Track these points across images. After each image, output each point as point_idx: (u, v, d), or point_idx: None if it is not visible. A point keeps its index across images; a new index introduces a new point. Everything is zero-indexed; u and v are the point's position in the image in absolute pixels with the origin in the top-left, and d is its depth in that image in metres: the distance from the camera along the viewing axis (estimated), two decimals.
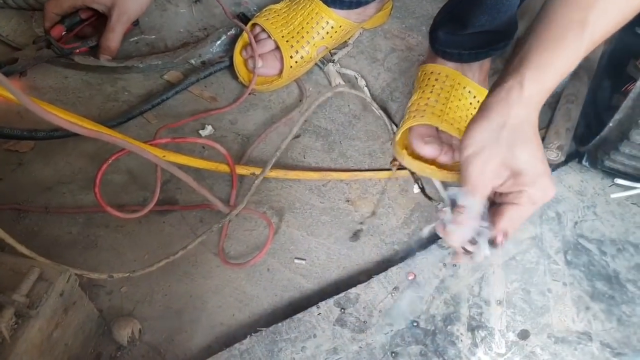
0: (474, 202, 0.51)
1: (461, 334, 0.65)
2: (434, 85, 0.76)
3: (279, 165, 0.79)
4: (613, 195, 0.74)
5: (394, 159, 0.74)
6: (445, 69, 0.78)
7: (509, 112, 0.49)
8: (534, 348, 0.64)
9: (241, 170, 0.74)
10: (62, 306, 0.56)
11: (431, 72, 0.79)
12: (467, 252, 0.53)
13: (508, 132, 0.49)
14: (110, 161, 0.61)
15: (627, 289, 0.69)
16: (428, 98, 0.74)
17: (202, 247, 0.71)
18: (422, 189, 0.72)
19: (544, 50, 0.49)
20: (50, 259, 0.66)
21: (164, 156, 0.61)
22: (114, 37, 0.83)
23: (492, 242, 0.52)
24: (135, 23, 0.89)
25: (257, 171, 0.75)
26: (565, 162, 0.81)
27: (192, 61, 0.89)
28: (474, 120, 0.52)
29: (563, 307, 0.67)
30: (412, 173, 0.74)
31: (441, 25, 0.81)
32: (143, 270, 0.61)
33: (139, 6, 0.84)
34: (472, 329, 0.65)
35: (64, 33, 0.84)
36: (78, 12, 0.84)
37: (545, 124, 0.84)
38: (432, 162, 0.69)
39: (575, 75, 0.87)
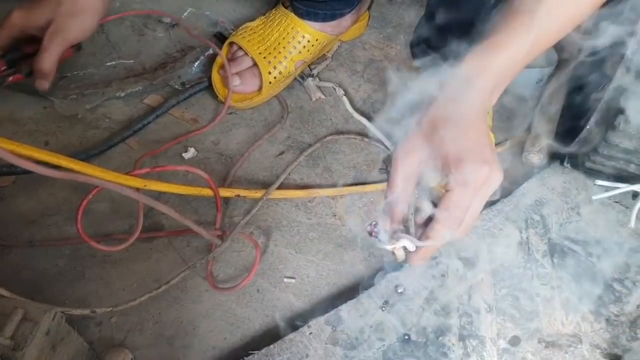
0: (400, 184, 0.49)
1: (453, 344, 0.65)
2: None
3: (264, 185, 0.79)
4: (595, 197, 0.75)
5: None
6: None
7: (439, 94, 0.49)
8: (525, 354, 0.65)
9: (225, 192, 0.74)
10: (49, 344, 0.55)
11: None
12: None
13: (431, 112, 0.48)
14: (90, 197, 0.60)
15: (614, 289, 0.70)
16: None
17: (190, 272, 0.71)
18: None
19: (490, 35, 0.49)
20: (37, 293, 0.66)
21: (145, 185, 0.61)
22: (46, 59, 0.73)
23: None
24: (78, 47, 0.80)
25: (242, 193, 0.75)
26: (547, 165, 0.82)
27: (172, 83, 0.89)
28: None
29: (552, 310, 0.68)
30: None
31: (420, 40, 0.82)
32: (126, 304, 0.60)
33: (79, 28, 0.74)
34: (463, 339, 0.65)
35: (4, 68, 0.74)
36: (19, 46, 0.75)
37: (526, 127, 0.85)
38: None
39: (553, 76, 0.88)
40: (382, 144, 0.83)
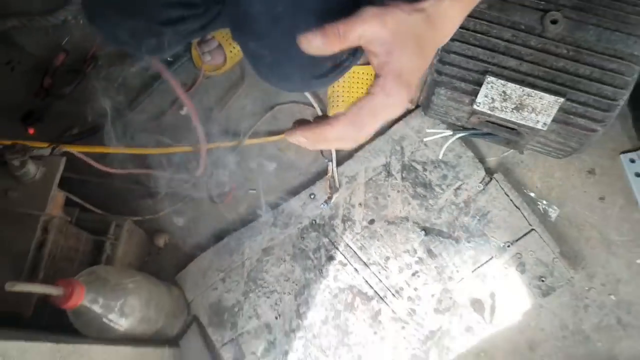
0: (351, 36, 0.47)
1: (338, 224, 1.21)
2: None
3: (235, 133, 1.27)
4: (426, 139, 1.22)
5: None
6: None
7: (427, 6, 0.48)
8: (376, 228, 1.20)
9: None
10: (129, 235, 1.12)
11: None
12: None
13: (412, 19, 0.47)
14: None
15: (434, 190, 1.22)
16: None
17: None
18: None
19: None
20: (118, 211, 1.20)
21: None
22: None
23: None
24: None
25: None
26: (413, 110, 1.27)
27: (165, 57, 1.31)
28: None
29: (395, 205, 1.22)
30: None
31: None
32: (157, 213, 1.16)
33: None
34: (344, 221, 1.21)
35: None
36: None
37: None
38: None
39: None
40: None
